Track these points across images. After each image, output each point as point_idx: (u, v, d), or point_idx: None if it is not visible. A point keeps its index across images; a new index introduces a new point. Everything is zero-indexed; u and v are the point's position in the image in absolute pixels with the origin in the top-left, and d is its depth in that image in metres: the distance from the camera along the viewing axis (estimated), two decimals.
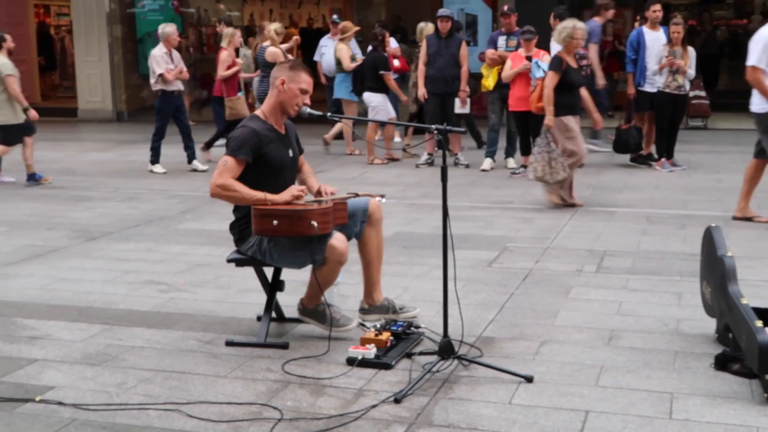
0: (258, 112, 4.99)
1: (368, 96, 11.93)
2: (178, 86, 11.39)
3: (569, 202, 8.68)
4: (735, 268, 4.62)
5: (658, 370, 4.43)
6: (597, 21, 12.14)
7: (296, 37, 13.37)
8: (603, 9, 12.26)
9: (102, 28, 17.80)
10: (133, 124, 17.51)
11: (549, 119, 8.52)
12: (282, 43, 12.61)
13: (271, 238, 4.77)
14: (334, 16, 14.92)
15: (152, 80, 11.31)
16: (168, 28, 11.44)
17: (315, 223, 4.53)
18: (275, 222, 4.57)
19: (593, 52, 11.75)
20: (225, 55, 11.90)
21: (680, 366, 4.49)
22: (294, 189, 4.81)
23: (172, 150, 11.72)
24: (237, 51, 12.73)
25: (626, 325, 5.14)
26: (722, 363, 4.41)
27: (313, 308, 4.94)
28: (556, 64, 8.64)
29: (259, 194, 4.70)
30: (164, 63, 11.16)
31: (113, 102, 18.09)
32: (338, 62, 12.91)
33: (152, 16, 18.05)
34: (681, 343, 4.82)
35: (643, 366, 4.50)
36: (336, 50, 12.98)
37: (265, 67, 11.92)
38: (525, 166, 10.69)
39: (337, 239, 4.67)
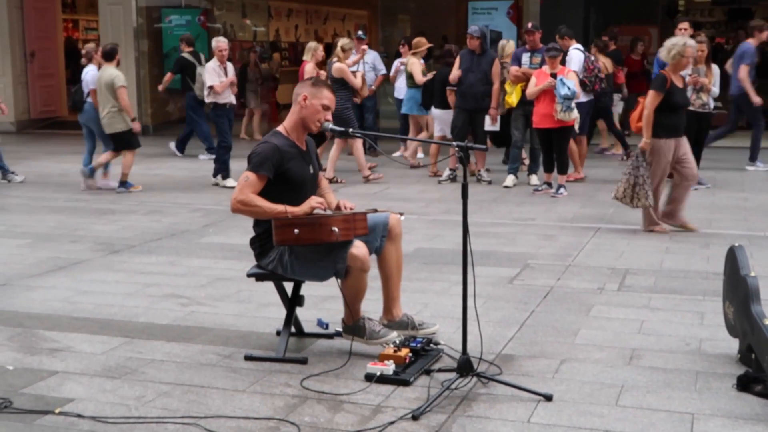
0: (280, 128, 5.00)
1: (438, 113, 12.11)
2: (230, 99, 11.46)
3: (678, 224, 8.35)
4: (758, 288, 4.60)
5: (680, 391, 4.39)
6: (751, 43, 12.06)
7: (364, 47, 13.30)
8: (757, 30, 12.09)
9: (129, 43, 17.97)
10: (158, 138, 17.61)
11: (645, 142, 7.91)
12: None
13: (292, 251, 4.78)
14: (360, 32, 14.96)
15: (205, 93, 11.45)
16: (213, 43, 11.62)
17: (336, 229, 4.54)
18: (296, 231, 4.58)
19: (744, 72, 11.76)
20: (310, 68, 11.92)
21: (702, 386, 4.44)
22: (313, 200, 4.82)
23: (196, 164, 11.79)
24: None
25: (648, 344, 5.10)
26: (744, 384, 4.36)
27: (353, 324, 4.91)
28: (660, 83, 7.91)
29: (280, 207, 4.71)
30: (216, 76, 11.28)
31: (139, 116, 18.18)
32: (409, 76, 12.98)
33: (178, 31, 18.17)
34: (703, 364, 4.77)
35: (664, 386, 4.46)
36: (408, 65, 13.05)
37: (333, 83, 11.89)
38: (548, 183, 10.68)
39: (357, 247, 4.66)
